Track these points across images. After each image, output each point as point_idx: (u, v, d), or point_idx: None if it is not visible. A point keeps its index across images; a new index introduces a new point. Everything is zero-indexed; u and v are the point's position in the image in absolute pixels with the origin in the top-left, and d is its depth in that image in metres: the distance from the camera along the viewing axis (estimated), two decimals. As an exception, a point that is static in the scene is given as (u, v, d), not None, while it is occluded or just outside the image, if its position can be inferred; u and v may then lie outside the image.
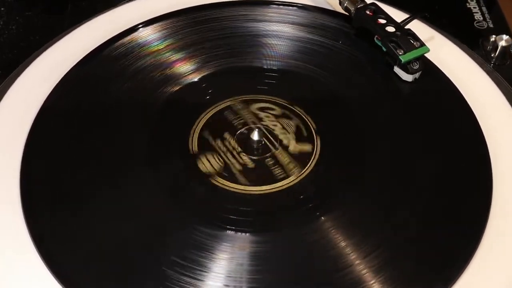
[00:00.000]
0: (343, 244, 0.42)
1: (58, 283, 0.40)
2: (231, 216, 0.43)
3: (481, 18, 0.63)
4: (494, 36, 0.58)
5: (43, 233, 0.42)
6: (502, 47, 0.57)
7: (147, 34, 0.56)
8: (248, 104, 0.51)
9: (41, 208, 0.44)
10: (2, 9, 0.62)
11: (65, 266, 0.41)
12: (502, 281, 0.41)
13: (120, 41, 0.55)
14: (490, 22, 0.62)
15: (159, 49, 0.55)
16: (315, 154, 0.47)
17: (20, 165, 0.46)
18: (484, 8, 0.64)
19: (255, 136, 0.48)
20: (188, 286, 0.40)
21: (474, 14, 0.63)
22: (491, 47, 0.58)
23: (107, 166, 0.47)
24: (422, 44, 0.51)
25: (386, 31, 0.52)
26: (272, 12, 0.58)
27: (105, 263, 0.41)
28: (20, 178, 0.45)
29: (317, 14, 0.58)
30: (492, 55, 0.58)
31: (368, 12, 0.54)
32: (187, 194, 0.45)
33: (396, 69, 0.52)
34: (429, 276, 0.41)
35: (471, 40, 0.59)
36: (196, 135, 0.48)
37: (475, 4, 0.64)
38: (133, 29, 0.56)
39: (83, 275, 0.40)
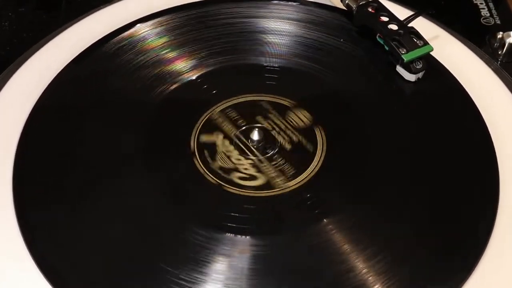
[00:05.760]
0: (346, 247, 0.42)
1: (51, 286, 0.40)
2: (231, 219, 0.44)
3: (488, 14, 0.63)
4: (501, 32, 0.59)
5: (36, 235, 0.43)
6: (510, 44, 0.57)
7: (144, 31, 0.56)
8: (247, 103, 0.51)
9: (34, 209, 0.44)
10: (-5, 5, 0.63)
11: (59, 268, 0.41)
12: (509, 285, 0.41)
13: (117, 38, 0.55)
14: (497, 18, 0.62)
15: (157, 46, 0.55)
16: (317, 154, 0.48)
17: (13, 166, 0.46)
18: (491, 4, 0.64)
19: (255, 136, 0.48)
20: (186, 290, 0.40)
21: (481, 10, 0.63)
22: (498, 44, 0.59)
23: (103, 166, 0.47)
24: (426, 43, 0.51)
25: (389, 29, 0.53)
26: (272, 8, 0.58)
27: (100, 266, 0.41)
28: (13, 178, 0.45)
29: (318, 11, 0.58)
30: (499, 53, 0.58)
31: (370, 10, 0.54)
32: (186, 196, 0.46)
33: (399, 69, 0.52)
34: (434, 280, 0.41)
35: (478, 37, 0.59)
36: (195, 135, 0.49)
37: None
38: (130, 25, 0.57)
39: (78, 278, 0.41)
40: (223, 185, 0.46)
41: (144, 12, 0.58)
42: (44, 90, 0.51)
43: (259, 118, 0.50)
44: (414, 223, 0.44)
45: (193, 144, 0.48)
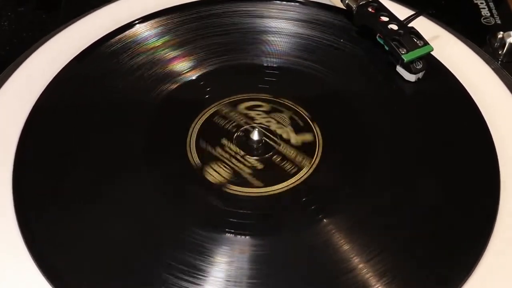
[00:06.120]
0: (346, 247, 0.42)
1: (50, 284, 0.40)
2: (231, 219, 0.44)
3: (488, 14, 0.63)
4: (501, 32, 0.59)
5: (35, 234, 0.43)
6: (510, 44, 0.58)
7: (144, 31, 0.56)
8: (248, 102, 0.51)
9: (34, 209, 0.44)
10: (-6, 4, 0.63)
11: (58, 268, 0.41)
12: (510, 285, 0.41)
13: (116, 38, 0.56)
14: (498, 18, 0.63)
15: (156, 46, 0.55)
16: (317, 153, 0.48)
17: (13, 165, 0.46)
18: (491, 4, 0.64)
19: (255, 136, 0.48)
20: (186, 290, 0.40)
21: (481, 10, 0.63)
22: (498, 44, 0.59)
23: (103, 166, 0.47)
24: (426, 43, 0.52)
25: (389, 29, 0.53)
26: (272, 8, 0.58)
27: (99, 266, 0.41)
28: (13, 178, 0.46)
29: (318, 11, 0.58)
30: (499, 52, 0.58)
31: (370, 9, 0.55)
32: (186, 196, 0.46)
33: (399, 69, 0.53)
34: (434, 280, 0.41)
35: (478, 37, 0.59)
36: (194, 135, 0.49)
37: (482, -1, 0.65)
38: (130, 25, 0.57)
39: (76, 277, 0.41)
40: (223, 185, 0.46)
41: (144, 12, 0.58)
42: (44, 90, 0.51)
43: (259, 118, 0.50)
44: (414, 223, 0.44)
45: (192, 144, 0.48)
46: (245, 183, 0.46)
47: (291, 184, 0.46)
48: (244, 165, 0.47)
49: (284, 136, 0.49)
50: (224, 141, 0.49)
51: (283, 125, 0.50)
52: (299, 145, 0.48)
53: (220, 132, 0.49)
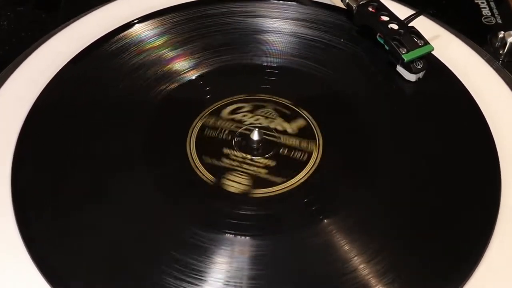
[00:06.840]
0: (346, 247, 0.42)
1: (49, 285, 0.40)
2: (231, 219, 0.44)
3: (489, 14, 0.63)
4: (502, 32, 0.59)
5: (35, 235, 0.43)
6: (511, 43, 0.58)
7: (143, 30, 0.56)
8: (247, 102, 0.51)
9: (33, 209, 0.44)
10: (-7, 4, 0.63)
11: (57, 268, 0.41)
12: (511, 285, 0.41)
13: (116, 37, 0.56)
14: (499, 17, 0.63)
15: (156, 46, 0.55)
16: (317, 153, 0.48)
17: (11, 165, 0.46)
18: (492, 3, 0.64)
19: (255, 136, 0.48)
20: (186, 291, 0.40)
21: (482, 9, 0.64)
22: (499, 43, 0.59)
23: (102, 166, 0.47)
24: (426, 43, 0.52)
25: (389, 28, 0.53)
26: (272, 8, 0.58)
27: (100, 266, 0.42)
28: (11, 178, 0.46)
29: (318, 10, 0.58)
30: (500, 52, 0.58)
31: (370, 9, 0.55)
32: (186, 196, 0.46)
33: (399, 68, 0.53)
34: (435, 280, 0.41)
35: (479, 37, 0.59)
36: (194, 135, 0.49)
37: (483, -1, 0.65)
38: (129, 24, 0.57)
39: (76, 278, 0.41)
40: (223, 186, 0.46)
41: (144, 11, 0.58)
42: (43, 90, 0.51)
43: (258, 118, 0.50)
44: (415, 223, 0.44)
45: (192, 144, 0.48)
46: (267, 183, 0.46)
47: (291, 185, 0.46)
48: (257, 166, 0.47)
49: (285, 137, 0.49)
50: (227, 147, 0.49)
51: (284, 125, 0.50)
52: (300, 145, 0.48)
53: (220, 133, 0.49)
